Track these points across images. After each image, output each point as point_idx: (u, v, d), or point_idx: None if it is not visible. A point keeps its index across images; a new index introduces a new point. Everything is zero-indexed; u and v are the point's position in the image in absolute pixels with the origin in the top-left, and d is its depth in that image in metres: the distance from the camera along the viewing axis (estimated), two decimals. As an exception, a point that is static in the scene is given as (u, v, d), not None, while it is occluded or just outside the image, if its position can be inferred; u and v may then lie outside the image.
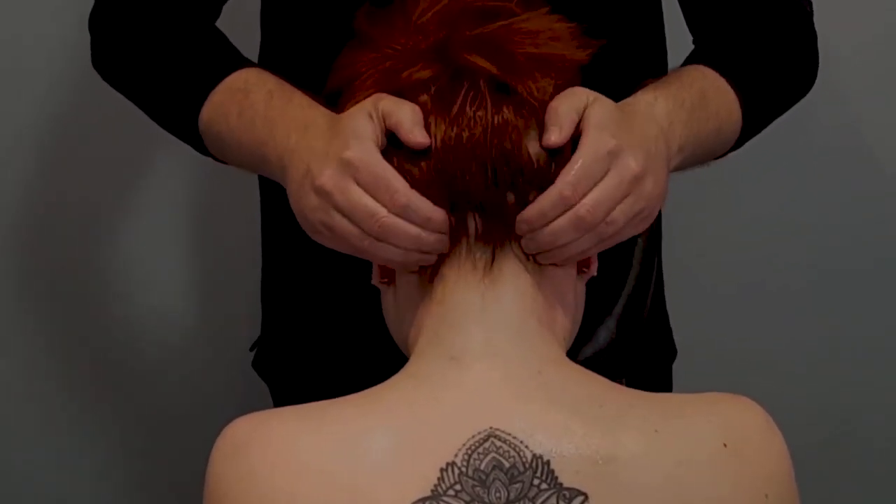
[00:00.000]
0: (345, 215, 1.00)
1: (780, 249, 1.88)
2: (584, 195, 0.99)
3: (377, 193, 0.99)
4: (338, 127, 1.02)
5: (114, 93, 1.29)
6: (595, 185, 0.99)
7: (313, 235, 1.04)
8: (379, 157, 0.99)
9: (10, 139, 1.80)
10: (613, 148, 1.00)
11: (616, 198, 1.00)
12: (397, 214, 0.99)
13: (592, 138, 1.00)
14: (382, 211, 0.99)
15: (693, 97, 1.14)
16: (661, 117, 1.09)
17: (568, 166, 0.99)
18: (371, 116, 1.00)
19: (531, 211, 0.99)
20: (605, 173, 1.00)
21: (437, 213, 0.99)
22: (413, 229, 0.99)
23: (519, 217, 1.00)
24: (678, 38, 1.31)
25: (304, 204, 1.03)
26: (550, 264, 1.02)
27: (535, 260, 1.01)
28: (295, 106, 1.10)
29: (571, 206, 0.99)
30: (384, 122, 1.00)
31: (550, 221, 0.99)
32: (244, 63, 1.20)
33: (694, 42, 1.30)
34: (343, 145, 1.00)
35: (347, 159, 0.99)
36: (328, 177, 1.00)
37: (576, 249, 1.01)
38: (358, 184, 0.99)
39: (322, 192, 1.01)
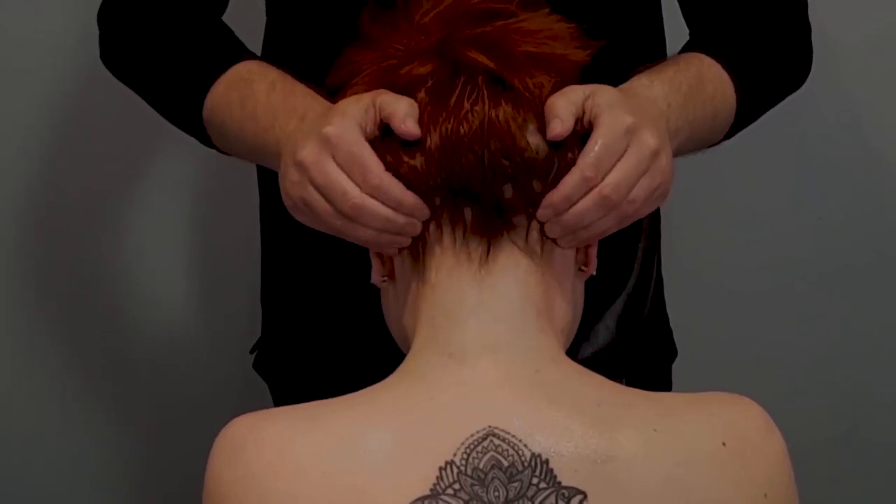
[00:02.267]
0: (320, 192, 1.01)
1: (780, 248, 1.88)
2: (606, 175, 0.99)
3: (352, 172, 0.99)
4: (329, 110, 1.03)
5: (115, 94, 1.29)
6: (615, 163, 0.99)
7: (293, 213, 1.04)
8: (358, 135, 0.99)
9: (11, 138, 1.80)
10: (631, 125, 1.00)
11: (636, 175, 1.00)
12: (370, 195, 0.99)
13: (608, 117, 1.00)
14: (355, 191, 0.99)
15: (689, 81, 1.14)
16: (659, 99, 1.09)
17: (587, 147, 0.99)
18: (367, 106, 1.01)
19: (555, 196, 0.99)
20: (624, 151, 1.00)
21: (408, 197, 0.99)
22: (383, 211, 0.99)
23: (543, 202, 0.99)
24: (678, 39, 1.31)
25: (287, 179, 1.03)
26: (552, 261, 1.02)
27: (557, 243, 1.01)
28: (297, 96, 1.10)
29: (594, 187, 0.99)
30: (379, 113, 1.00)
31: (575, 203, 0.99)
32: (248, 55, 1.20)
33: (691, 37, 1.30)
34: (325, 122, 1.01)
35: (326, 135, 1.00)
36: (308, 151, 1.01)
37: (599, 229, 1.01)
38: (336, 162, 1.00)
39: (301, 167, 1.01)
